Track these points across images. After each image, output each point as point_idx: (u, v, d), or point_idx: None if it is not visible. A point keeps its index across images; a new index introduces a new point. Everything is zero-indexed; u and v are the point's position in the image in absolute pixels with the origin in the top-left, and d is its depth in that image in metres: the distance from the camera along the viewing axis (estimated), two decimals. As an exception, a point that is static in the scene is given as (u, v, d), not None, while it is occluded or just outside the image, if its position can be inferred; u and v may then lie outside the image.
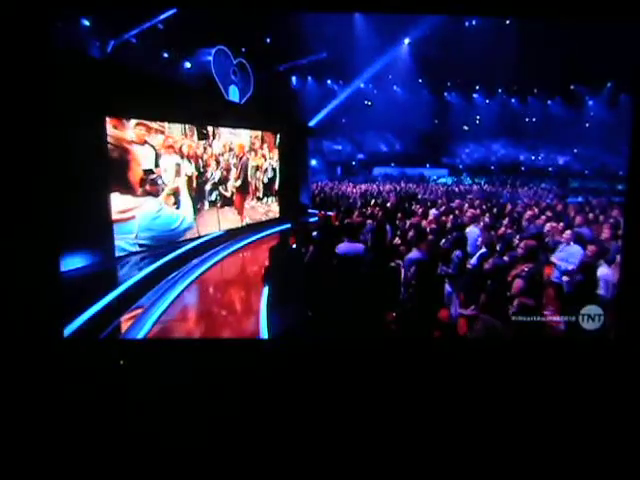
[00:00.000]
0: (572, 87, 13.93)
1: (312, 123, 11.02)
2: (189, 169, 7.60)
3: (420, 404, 3.43)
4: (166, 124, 6.99)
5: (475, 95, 14.65)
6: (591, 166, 14.59)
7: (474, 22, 10.88)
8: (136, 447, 3.10)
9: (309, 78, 13.03)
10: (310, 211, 10.22)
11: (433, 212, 7.70)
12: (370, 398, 3.48)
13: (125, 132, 6.33)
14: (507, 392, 3.48)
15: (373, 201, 9.35)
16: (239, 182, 8.86)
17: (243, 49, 9.37)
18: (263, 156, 9.54)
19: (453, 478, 3.00)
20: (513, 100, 14.55)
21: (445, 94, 14.44)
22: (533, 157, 15.44)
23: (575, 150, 14.83)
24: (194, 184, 7.70)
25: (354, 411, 3.39)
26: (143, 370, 3.70)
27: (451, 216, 7.14)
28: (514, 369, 3.60)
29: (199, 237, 7.82)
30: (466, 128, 14.88)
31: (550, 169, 15.30)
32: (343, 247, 4.90)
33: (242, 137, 8.95)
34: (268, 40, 9.81)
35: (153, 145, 6.78)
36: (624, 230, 3.80)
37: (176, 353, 3.90)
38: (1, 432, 3.15)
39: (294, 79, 12.59)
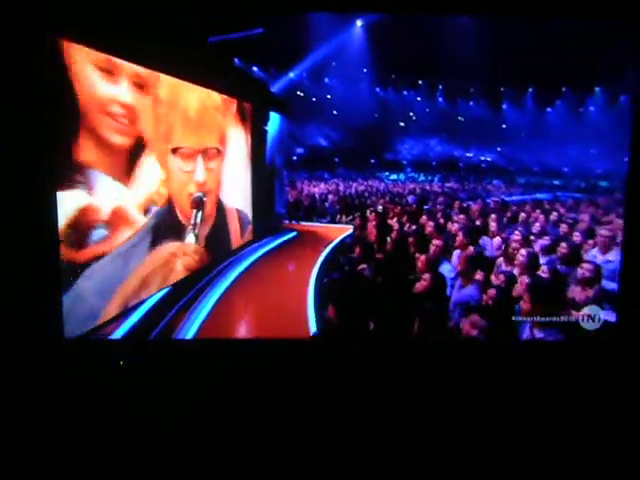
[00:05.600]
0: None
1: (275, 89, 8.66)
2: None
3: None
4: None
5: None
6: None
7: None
8: (136, 448, 3.04)
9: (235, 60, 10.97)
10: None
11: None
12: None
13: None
14: (507, 392, 3.43)
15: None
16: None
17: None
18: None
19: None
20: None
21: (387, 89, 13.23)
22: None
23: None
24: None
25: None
26: (143, 370, 3.61)
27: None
28: (514, 369, 3.56)
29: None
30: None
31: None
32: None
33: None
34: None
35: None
36: (624, 230, 3.86)
37: (176, 353, 3.87)
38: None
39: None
